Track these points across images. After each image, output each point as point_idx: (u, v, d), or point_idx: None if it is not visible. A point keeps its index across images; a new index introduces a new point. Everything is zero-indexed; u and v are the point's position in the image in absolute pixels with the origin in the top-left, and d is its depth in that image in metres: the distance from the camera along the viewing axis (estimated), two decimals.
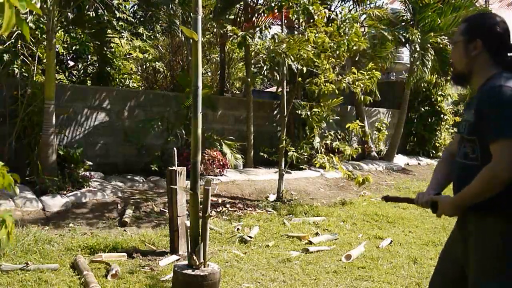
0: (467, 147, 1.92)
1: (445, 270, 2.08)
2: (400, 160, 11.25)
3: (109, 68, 8.67)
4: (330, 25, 6.66)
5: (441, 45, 10.53)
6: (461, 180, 1.91)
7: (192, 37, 3.20)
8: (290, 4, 6.37)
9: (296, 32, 9.70)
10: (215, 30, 8.37)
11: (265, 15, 9.22)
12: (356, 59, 9.44)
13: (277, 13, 7.19)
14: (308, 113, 7.58)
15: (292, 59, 6.59)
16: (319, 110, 7.44)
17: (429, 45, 10.22)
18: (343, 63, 7.44)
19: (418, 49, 10.08)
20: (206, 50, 10.28)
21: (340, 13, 7.14)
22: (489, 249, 1.83)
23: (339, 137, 9.51)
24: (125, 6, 8.92)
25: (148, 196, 6.40)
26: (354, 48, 6.51)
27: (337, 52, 6.51)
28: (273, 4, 6.50)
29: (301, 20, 7.01)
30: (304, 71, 6.77)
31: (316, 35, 6.33)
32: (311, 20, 6.85)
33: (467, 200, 1.84)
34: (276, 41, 6.50)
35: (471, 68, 1.95)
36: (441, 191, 2.11)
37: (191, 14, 7.07)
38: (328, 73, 6.82)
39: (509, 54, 1.90)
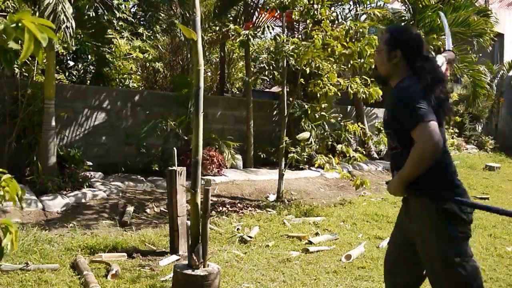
0: (388, 139, 2.39)
1: (394, 238, 2.51)
2: None
3: (107, 69, 8.66)
4: (334, 27, 6.64)
5: (440, 46, 10.51)
6: (392, 167, 2.39)
7: (192, 37, 3.20)
8: (295, 4, 6.34)
9: (296, 33, 9.73)
10: (217, 28, 8.36)
11: (267, 15, 9.24)
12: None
13: (278, 14, 7.19)
14: (310, 113, 7.59)
15: (294, 59, 6.59)
16: (319, 111, 7.45)
17: (431, 46, 10.21)
18: (350, 74, 7.41)
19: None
20: (206, 50, 10.27)
21: (341, 13, 7.14)
22: (430, 217, 2.20)
23: (338, 136, 9.51)
24: (125, 6, 8.92)
25: (148, 196, 6.40)
26: (366, 63, 6.44)
27: (351, 62, 6.49)
28: (275, 4, 6.48)
29: (308, 22, 6.99)
30: (307, 72, 6.77)
31: (323, 37, 6.29)
32: (317, 24, 6.84)
33: (407, 177, 2.18)
34: (279, 41, 6.48)
35: (391, 72, 2.36)
36: None
37: (191, 13, 7.11)
38: (331, 76, 6.82)
39: (421, 62, 2.28)
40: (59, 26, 5.28)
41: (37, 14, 5.81)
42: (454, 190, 2.21)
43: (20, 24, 1.27)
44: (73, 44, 5.86)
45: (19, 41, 1.30)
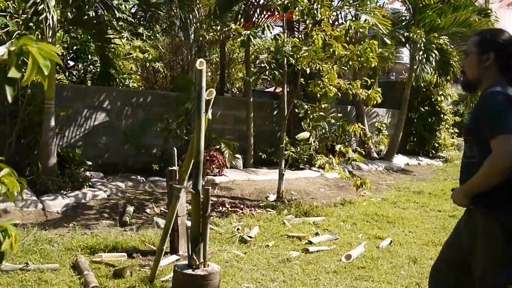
0: (466, 147, 2.21)
1: (448, 256, 2.33)
2: (400, 160, 11.25)
3: (111, 69, 8.68)
4: (333, 27, 6.65)
5: (442, 45, 10.52)
6: (463, 176, 2.20)
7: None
8: (296, 4, 6.34)
9: (296, 34, 9.72)
10: (217, 28, 8.36)
11: (267, 15, 9.24)
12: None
13: (278, 14, 7.19)
14: (309, 113, 7.60)
15: (294, 60, 6.59)
16: (318, 111, 7.45)
17: (433, 45, 10.22)
18: (350, 75, 7.42)
19: (422, 49, 10.06)
20: (206, 50, 10.28)
21: (341, 13, 7.14)
22: (492, 237, 2.04)
23: (338, 136, 9.51)
24: (125, 6, 8.92)
25: (148, 196, 6.40)
26: (366, 63, 6.45)
27: (350, 63, 6.48)
28: (278, 3, 6.47)
29: (307, 22, 6.99)
30: (307, 72, 6.77)
31: (323, 37, 6.29)
32: (316, 24, 6.84)
33: (473, 188, 2.07)
34: (280, 41, 6.49)
35: (481, 76, 2.21)
36: None
37: (191, 16, 7.12)
38: (332, 77, 6.82)
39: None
40: (38, 17, 5.27)
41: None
42: None
43: (24, 48, 1.27)
44: (51, 36, 5.81)
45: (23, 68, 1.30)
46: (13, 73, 1.26)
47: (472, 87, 2.29)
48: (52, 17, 5.42)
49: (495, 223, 2.04)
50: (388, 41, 8.21)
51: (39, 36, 6.74)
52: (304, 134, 7.29)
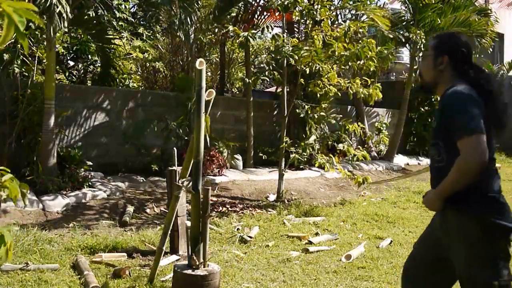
0: (433, 151, 2.20)
1: (418, 255, 2.33)
2: (400, 160, 11.25)
3: (111, 69, 8.69)
4: (333, 27, 6.65)
5: None
6: (434, 181, 2.20)
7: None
8: (296, 4, 6.34)
9: (296, 34, 9.72)
10: (216, 30, 8.38)
11: (267, 15, 9.24)
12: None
13: (278, 14, 7.19)
14: (309, 113, 7.60)
15: (294, 60, 6.59)
16: (319, 111, 7.46)
17: None
18: (350, 74, 7.42)
19: (422, 49, 10.05)
20: (206, 50, 10.28)
21: (341, 13, 7.14)
22: (471, 240, 2.05)
23: (339, 136, 9.52)
24: (125, 6, 8.92)
25: (148, 196, 6.40)
26: (365, 66, 6.44)
27: (349, 63, 6.48)
28: (278, 4, 6.47)
29: (307, 22, 7.00)
30: (307, 72, 6.77)
31: (323, 37, 6.29)
32: (316, 24, 6.84)
33: (446, 191, 2.06)
34: (279, 41, 6.49)
35: (436, 79, 2.25)
36: None
37: (191, 16, 7.11)
38: (332, 76, 6.82)
39: (470, 71, 2.18)
40: (52, 12, 5.25)
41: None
42: (496, 208, 2.07)
43: None
44: (66, 28, 5.79)
45: None
46: None
47: (429, 89, 2.33)
48: (66, 10, 5.41)
49: (470, 220, 2.04)
50: (391, 35, 8.21)
51: (40, 36, 6.73)
52: (312, 139, 7.33)
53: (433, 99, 12.33)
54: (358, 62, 6.35)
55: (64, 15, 5.39)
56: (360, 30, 6.88)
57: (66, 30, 5.72)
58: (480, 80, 2.13)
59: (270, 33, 7.59)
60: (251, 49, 8.52)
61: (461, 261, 2.08)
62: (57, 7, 5.28)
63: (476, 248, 2.03)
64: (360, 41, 6.45)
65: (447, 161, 2.07)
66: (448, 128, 2.05)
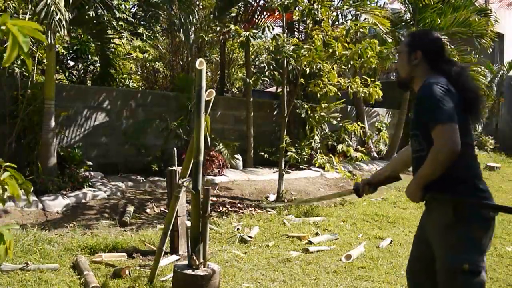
0: (414, 141, 2.28)
1: (418, 254, 2.35)
2: None
3: (111, 69, 8.68)
4: (334, 27, 6.65)
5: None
6: (414, 172, 2.27)
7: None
8: (297, 4, 6.34)
9: (296, 34, 9.73)
10: (217, 29, 8.38)
11: (267, 15, 9.24)
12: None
13: (278, 14, 7.19)
14: (309, 113, 7.60)
15: (295, 60, 6.59)
16: (319, 111, 7.46)
17: None
18: (350, 74, 7.41)
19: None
20: (206, 50, 10.29)
21: (341, 13, 7.13)
22: (443, 220, 2.12)
23: (339, 137, 9.52)
24: (125, 6, 8.92)
25: (148, 196, 6.40)
26: (366, 64, 6.45)
27: (351, 62, 6.48)
28: (278, 3, 6.46)
29: (308, 22, 6.99)
30: (307, 72, 6.77)
31: (323, 37, 6.29)
32: (316, 24, 6.84)
33: (422, 179, 2.13)
34: (280, 41, 6.49)
35: (412, 74, 2.33)
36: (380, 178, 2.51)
37: (191, 16, 7.12)
38: (332, 76, 6.82)
39: (443, 64, 2.26)
40: (51, 21, 5.26)
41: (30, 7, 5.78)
42: (476, 194, 2.13)
43: (4, 28, 1.22)
44: (66, 35, 5.81)
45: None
46: None
47: (405, 85, 2.42)
48: (65, 18, 5.43)
49: (448, 206, 2.10)
50: (389, 39, 8.20)
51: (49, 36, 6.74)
52: (316, 139, 7.35)
53: None
54: (361, 59, 6.35)
55: (64, 22, 5.40)
56: (361, 30, 6.88)
57: (65, 35, 5.71)
58: (452, 72, 2.22)
59: (271, 32, 7.59)
60: (251, 49, 8.51)
61: (437, 248, 2.13)
62: (57, 14, 5.29)
63: (450, 233, 2.09)
64: (362, 41, 6.44)
65: (427, 151, 2.12)
66: (424, 118, 2.12)
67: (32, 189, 1.69)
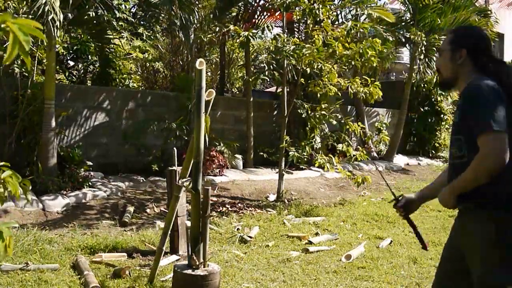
0: (454, 147, 2.09)
1: (447, 268, 2.19)
2: (400, 160, 11.25)
3: (111, 69, 8.69)
4: (334, 27, 6.65)
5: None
6: (453, 178, 2.06)
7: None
8: (298, 3, 6.34)
9: (296, 34, 9.73)
10: (217, 29, 8.38)
11: (267, 15, 9.24)
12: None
13: (278, 14, 7.19)
14: (310, 113, 7.60)
15: (295, 60, 6.59)
16: (319, 111, 7.46)
17: (434, 48, 10.22)
18: (350, 74, 7.40)
19: (423, 50, 10.05)
20: (206, 50, 10.29)
21: (341, 13, 7.13)
22: (485, 237, 1.94)
23: (339, 137, 9.52)
24: (125, 6, 8.92)
25: (148, 196, 6.40)
26: (367, 63, 6.46)
27: (352, 62, 6.48)
28: (279, 3, 6.46)
29: (308, 22, 6.99)
30: (308, 72, 6.77)
31: (323, 37, 6.29)
32: (317, 24, 6.84)
33: (460, 187, 1.97)
34: (280, 42, 6.49)
35: (455, 74, 2.15)
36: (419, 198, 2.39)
37: (191, 16, 7.12)
38: (332, 76, 6.82)
39: (489, 64, 2.08)
40: (45, 19, 5.28)
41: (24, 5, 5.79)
42: None
43: (3, 26, 1.22)
44: (59, 36, 5.82)
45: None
46: None
47: (448, 85, 2.26)
48: (59, 18, 5.45)
49: (487, 221, 1.95)
50: (390, 38, 8.20)
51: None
52: (317, 140, 7.36)
53: (432, 99, 12.35)
54: (362, 59, 6.36)
55: (58, 23, 5.42)
56: (361, 30, 6.88)
57: (58, 36, 5.72)
58: (500, 73, 2.04)
59: (271, 32, 7.59)
60: (251, 49, 8.50)
61: (477, 262, 1.99)
62: (50, 14, 5.30)
63: (491, 251, 1.93)
64: (363, 41, 6.45)
65: (468, 158, 1.96)
66: (471, 122, 1.94)
67: (30, 188, 1.68)
